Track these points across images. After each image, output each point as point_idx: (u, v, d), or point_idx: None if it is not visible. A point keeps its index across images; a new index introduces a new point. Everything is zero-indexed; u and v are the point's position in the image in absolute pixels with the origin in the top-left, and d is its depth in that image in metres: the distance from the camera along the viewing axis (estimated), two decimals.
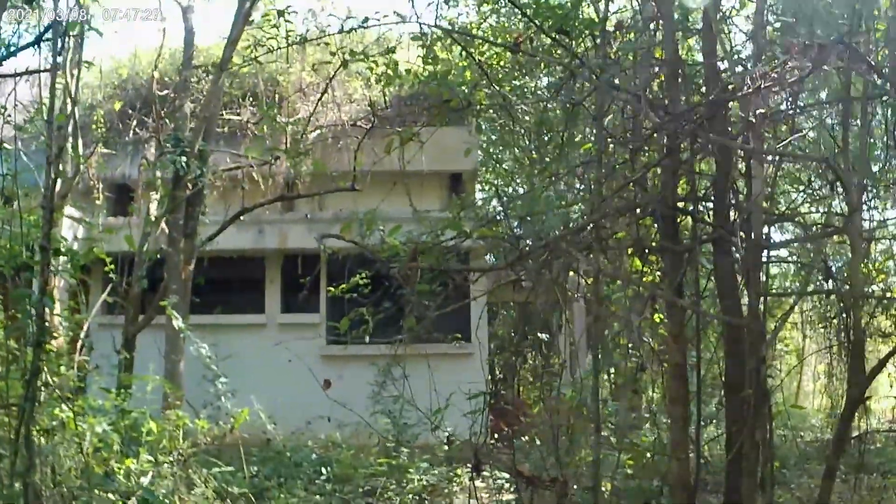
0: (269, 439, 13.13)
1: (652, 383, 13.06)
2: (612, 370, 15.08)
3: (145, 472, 9.26)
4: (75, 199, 20.16)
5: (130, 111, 21.85)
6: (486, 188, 30.20)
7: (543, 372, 25.22)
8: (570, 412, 18.33)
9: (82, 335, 12.55)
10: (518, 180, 26.27)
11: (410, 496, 12.57)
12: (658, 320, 10.61)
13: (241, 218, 18.67)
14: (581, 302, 25.23)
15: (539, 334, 26.47)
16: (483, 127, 27.13)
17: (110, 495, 8.14)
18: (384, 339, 14.61)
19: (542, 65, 16.67)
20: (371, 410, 15.48)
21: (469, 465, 14.86)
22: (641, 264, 10.48)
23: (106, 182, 21.72)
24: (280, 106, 22.23)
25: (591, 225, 9.23)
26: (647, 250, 10.02)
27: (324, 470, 13.16)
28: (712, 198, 9.06)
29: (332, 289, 11.34)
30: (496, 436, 18.17)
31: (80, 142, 16.48)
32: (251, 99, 22.52)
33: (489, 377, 26.10)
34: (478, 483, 13.39)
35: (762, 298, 8.41)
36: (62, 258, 10.71)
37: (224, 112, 21.24)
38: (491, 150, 30.38)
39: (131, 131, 21.42)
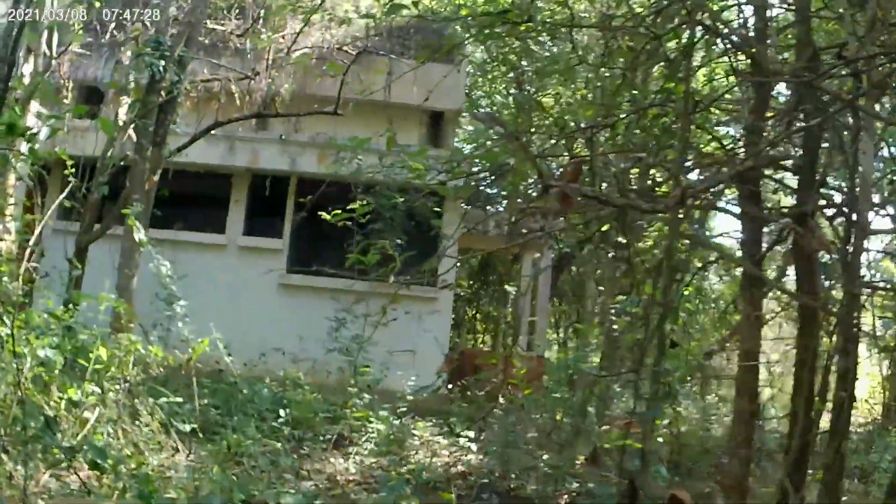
0: (221, 370, 12.29)
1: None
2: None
3: (89, 405, 8.40)
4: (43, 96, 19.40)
5: (109, 13, 20.88)
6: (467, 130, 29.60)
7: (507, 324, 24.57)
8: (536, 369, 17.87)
9: (32, 240, 11.58)
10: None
11: (369, 448, 11.79)
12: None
13: (213, 132, 18.06)
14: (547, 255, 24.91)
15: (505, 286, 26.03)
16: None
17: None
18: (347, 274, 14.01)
19: None
20: (327, 348, 14.95)
21: (432, 417, 14.33)
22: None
23: (77, 83, 20.79)
24: (266, 20, 21.41)
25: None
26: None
27: (281, 412, 12.30)
28: (799, 170, 7.95)
29: (327, 215, 10.30)
30: (450, 386, 17.71)
31: (54, 39, 15.47)
32: (237, 11, 21.57)
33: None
34: (439, 438, 12.79)
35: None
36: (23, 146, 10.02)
37: (208, 21, 20.34)
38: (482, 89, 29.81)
39: (108, 34, 20.35)
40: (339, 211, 10.18)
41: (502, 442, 10.41)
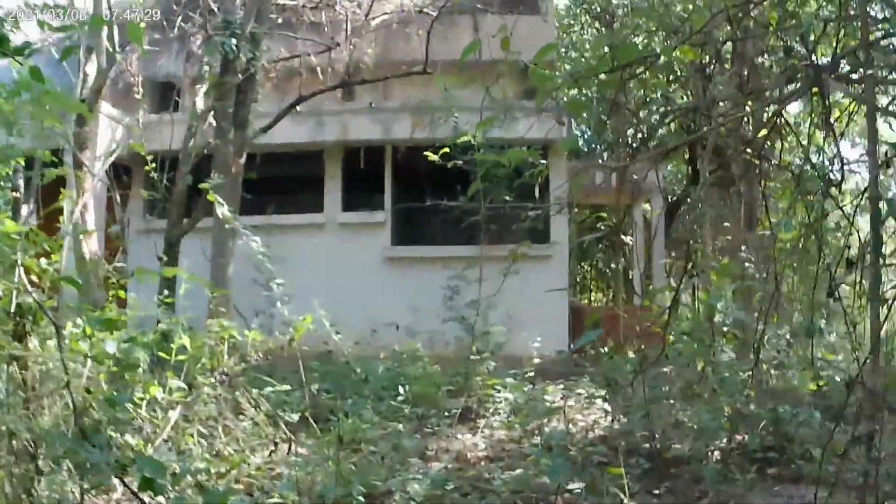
0: (330, 351, 11.40)
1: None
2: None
3: (175, 403, 7.49)
4: (116, 98, 18.79)
5: (175, 6, 20.27)
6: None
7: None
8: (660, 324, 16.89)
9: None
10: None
11: (497, 419, 10.84)
12: None
13: (298, 108, 17.27)
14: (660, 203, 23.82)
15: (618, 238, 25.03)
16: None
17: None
18: (455, 241, 13.15)
19: None
20: (443, 317, 14.19)
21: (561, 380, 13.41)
22: None
23: (149, 80, 20.18)
24: None
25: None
26: None
27: (400, 389, 11.38)
28: None
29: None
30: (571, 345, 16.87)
31: (115, 35, 14.82)
32: None
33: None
34: (572, 402, 11.80)
35: None
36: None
37: None
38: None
39: (176, 27, 19.68)
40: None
41: (642, 400, 9.35)
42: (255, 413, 8.89)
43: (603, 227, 28.41)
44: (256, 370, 9.82)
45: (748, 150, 14.54)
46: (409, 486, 7.09)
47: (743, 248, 14.33)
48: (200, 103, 15.70)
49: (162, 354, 7.87)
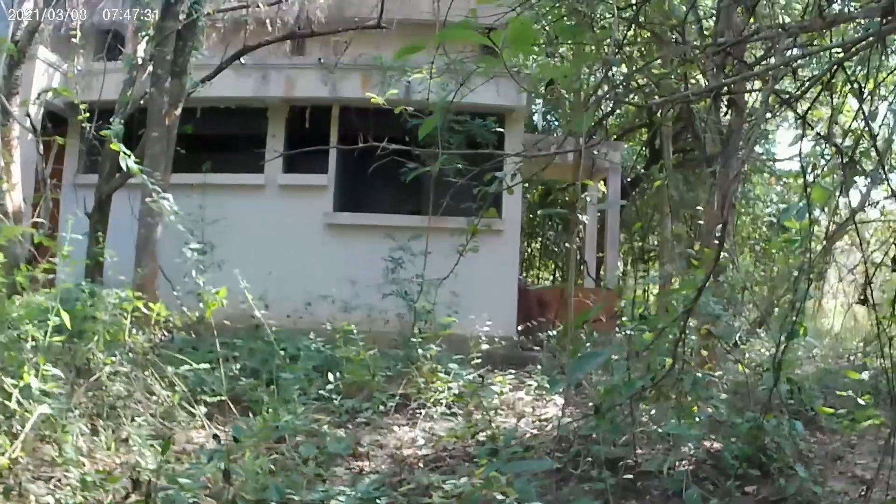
0: (257, 326, 10.41)
1: None
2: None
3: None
4: (58, 45, 17.82)
5: None
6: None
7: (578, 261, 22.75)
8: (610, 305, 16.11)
9: None
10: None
11: (438, 410, 9.91)
12: None
13: (242, 60, 16.36)
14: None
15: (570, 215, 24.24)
16: None
17: None
18: (402, 210, 12.48)
19: None
20: (384, 291, 13.62)
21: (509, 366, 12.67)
22: None
23: (94, 28, 19.16)
24: None
25: None
26: None
27: (330, 376, 10.40)
28: None
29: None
30: (520, 327, 16.23)
31: None
32: None
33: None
34: (522, 394, 10.91)
35: None
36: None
37: None
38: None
39: None
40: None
41: (601, 397, 8.41)
42: (167, 393, 7.90)
43: (559, 205, 27.76)
44: (176, 345, 8.93)
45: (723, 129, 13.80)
46: (334, 501, 6.08)
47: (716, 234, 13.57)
48: (142, 52, 14.85)
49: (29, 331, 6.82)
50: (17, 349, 6.48)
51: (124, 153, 8.15)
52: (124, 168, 8.41)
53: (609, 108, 11.70)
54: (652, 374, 8.20)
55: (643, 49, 13.73)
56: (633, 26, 9.52)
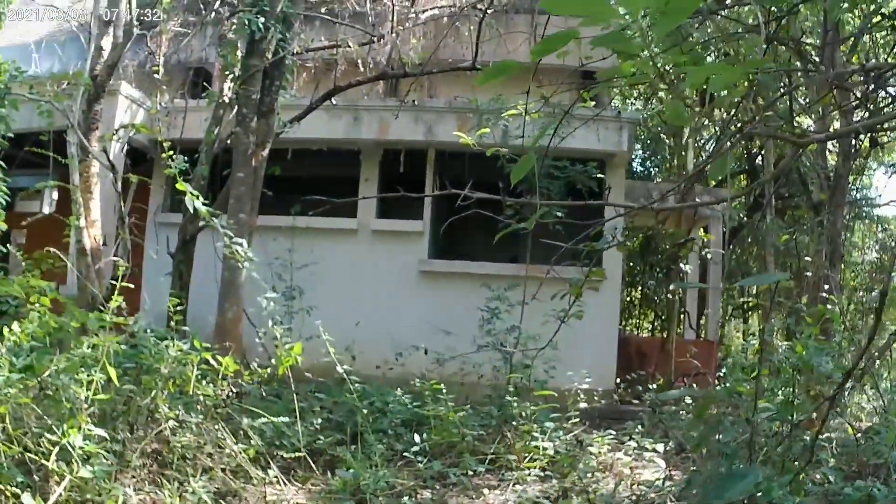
0: (343, 378, 9.87)
1: None
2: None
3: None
4: (141, 81, 18.13)
5: None
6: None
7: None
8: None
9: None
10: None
11: (532, 472, 9.25)
12: None
13: (333, 100, 16.05)
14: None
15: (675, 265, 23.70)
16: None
17: None
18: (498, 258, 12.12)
19: None
20: (479, 342, 13.00)
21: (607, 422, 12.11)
22: None
23: (179, 65, 19.05)
24: None
25: None
26: None
27: (417, 437, 9.80)
28: None
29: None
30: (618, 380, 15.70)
31: (133, 8, 13.85)
32: None
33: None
34: (621, 455, 10.23)
35: None
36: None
37: None
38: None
39: (211, 10, 18.38)
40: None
41: (704, 459, 7.75)
42: (237, 446, 7.37)
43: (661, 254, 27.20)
44: (255, 395, 8.45)
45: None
46: None
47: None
48: (228, 90, 14.42)
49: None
50: (64, 402, 5.97)
51: (192, 194, 7.72)
52: (191, 209, 7.92)
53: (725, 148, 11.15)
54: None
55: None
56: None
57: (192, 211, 8.06)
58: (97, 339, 6.68)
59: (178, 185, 7.92)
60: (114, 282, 7.89)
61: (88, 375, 6.19)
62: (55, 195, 18.03)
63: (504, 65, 4.63)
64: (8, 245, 12.31)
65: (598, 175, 15.11)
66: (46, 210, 19.46)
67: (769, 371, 10.59)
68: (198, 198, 7.87)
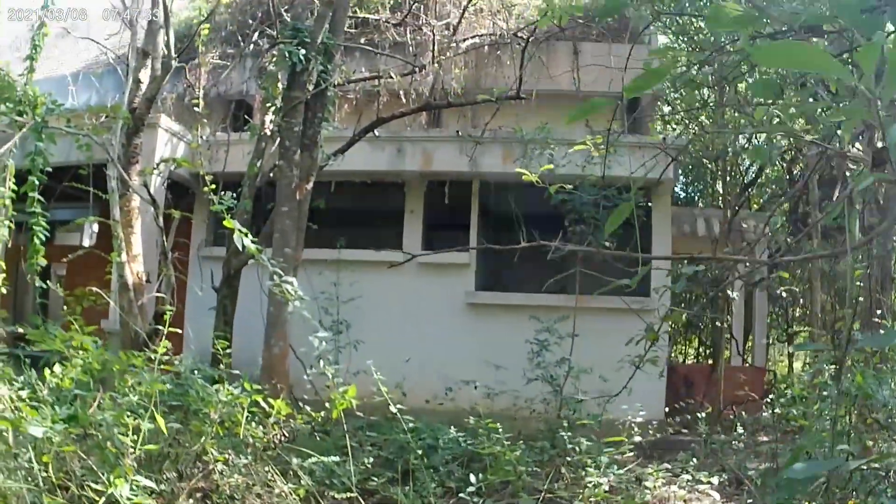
0: (394, 415, 9.74)
1: None
2: None
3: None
4: (181, 114, 18.19)
5: (250, 20, 19.04)
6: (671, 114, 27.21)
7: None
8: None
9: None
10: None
11: None
12: None
13: (376, 132, 16.09)
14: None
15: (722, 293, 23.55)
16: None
17: None
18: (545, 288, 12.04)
19: None
20: (529, 375, 13.22)
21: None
22: None
23: (219, 97, 18.97)
24: (426, 6, 19.15)
25: None
26: None
27: (472, 476, 9.60)
28: None
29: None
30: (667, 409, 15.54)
31: (171, 38, 13.57)
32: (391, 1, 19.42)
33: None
34: (675, 488, 10.05)
35: None
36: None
37: (358, 10, 18.21)
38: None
39: (250, 42, 18.38)
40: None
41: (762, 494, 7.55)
42: (286, 486, 7.24)
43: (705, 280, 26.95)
44: (304, 434, 8.34)
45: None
46: None
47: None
48: (269, 122, 14.50)
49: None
50: (110, 448, 5.85)
51: (240, 231, 7.55)
52: (240, 247, 7.80)
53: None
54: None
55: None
56: None
57: (240, 249, 7.96)
58: (143, 387, 6.60)
59: (226, 223, 7.76)
60: (158, 321, 7.82)
61: (135, 419, 6.07)
62: (95, 228, 18.04)
63: (593, 103, 4.55)
64: (48, 282, 12.28)
65: (647, 203, 15.01)
66: (87, 243, 19.47)
67: (822, 398, 10.43)
68: (246, 235, 7.73)
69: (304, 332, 10.66)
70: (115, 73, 17.53)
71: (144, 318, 12.38)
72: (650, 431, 12.49)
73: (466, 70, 18.85)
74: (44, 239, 12.36)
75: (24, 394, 6.51)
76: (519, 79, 14.93)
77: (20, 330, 8.53)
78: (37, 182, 12.23)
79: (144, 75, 13.54)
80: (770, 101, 6.27)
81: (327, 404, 8.42)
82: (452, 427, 11.40)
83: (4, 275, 11.99)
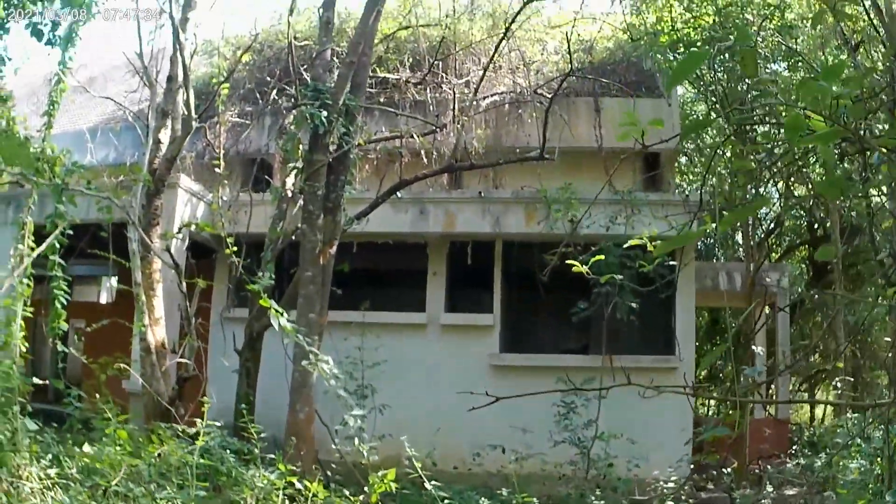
0: (423, 485, 9.63)
1: None
2: None
3: None
4: (200, 174, 18.06)
5: (269, 78, 18.99)
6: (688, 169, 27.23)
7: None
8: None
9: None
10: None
11: None
12: None
13: (398, 194, 15.82)
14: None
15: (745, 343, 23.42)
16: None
17: None
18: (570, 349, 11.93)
19: None
20: (556, 438, 13.28)
21: None
22: None
23: (238, 157, 18.88)
24: (445, 67, 19.06)
25: None
26: None
27: None
28: None
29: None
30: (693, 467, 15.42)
31: (191, 99, 13.45)
32: (410, 60, 19.28)
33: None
34: None
35: None
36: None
37: (377, 69, 18.13)
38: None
39: (269, 101, 18.34)
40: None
41: None
42: None
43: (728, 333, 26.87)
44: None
45: None
46: None
47: None
48: (290, 183, 14.43)
49: None
50: None
51: (276, 311, 7.43)
52: (275, 326, 7.69)
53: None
54: None
55: None
56: None
57: (272, 323, 7.85)
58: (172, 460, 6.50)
59: (262, 302, 7.67)
60: (181, 385, 7.75)
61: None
62: (114, 282, 17.98)
63: (694, 55, 4.34)
64: (69, 347, 12.13)
65: (671, 263, 14.88)
66: (105, 300, 19.38)
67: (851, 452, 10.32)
68: (281, 315, 7.60)
69: (329, 394, 10.58)
70: (133, 130, 17.52)
71: (168, 381, 12.32)
72: (682, 496, 12.38)
73: (487, 128, 18.74)
74: (64, 304, 12.25)
75: (52, 472, 6.42)
76: (542, 138, 14.83)
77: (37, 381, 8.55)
78: (57, 245, 12.18)
79: (164, 135, 13.52)
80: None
81: (354, 468, 8.33)
82: (484, 499, 11.28)
83: (24, 333, 11.92)
